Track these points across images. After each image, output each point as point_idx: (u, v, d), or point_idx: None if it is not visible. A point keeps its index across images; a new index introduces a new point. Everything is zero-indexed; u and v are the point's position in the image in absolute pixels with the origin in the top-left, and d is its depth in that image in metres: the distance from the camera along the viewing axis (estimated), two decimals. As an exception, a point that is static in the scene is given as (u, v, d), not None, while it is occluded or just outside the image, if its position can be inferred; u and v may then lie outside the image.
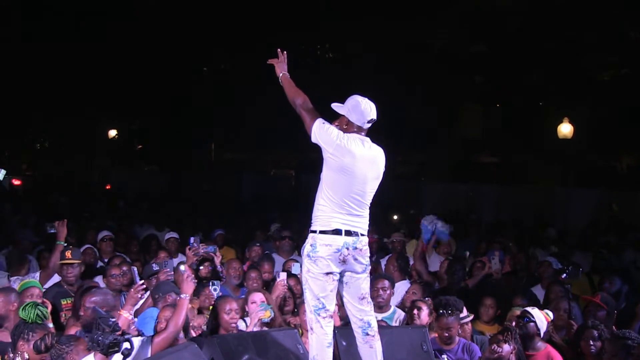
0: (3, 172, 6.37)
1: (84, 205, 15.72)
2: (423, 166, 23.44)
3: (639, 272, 9.82)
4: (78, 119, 24.59)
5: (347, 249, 4.75)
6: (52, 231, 7.48)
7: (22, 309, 5.02)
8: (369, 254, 4.94)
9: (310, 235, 4.82)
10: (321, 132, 4.74)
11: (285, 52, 5.12)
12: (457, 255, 9.21)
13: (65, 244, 7.07)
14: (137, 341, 4.95)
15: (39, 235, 10.14)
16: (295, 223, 11.26)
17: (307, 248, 4.81)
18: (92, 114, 24.49)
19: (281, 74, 5.05)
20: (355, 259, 4.81)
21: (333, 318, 4.90)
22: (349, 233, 4.75)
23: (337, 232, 4.73)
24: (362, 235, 4.82)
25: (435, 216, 8.90)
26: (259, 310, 5.88)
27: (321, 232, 4.75)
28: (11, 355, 4.77)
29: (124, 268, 7.22)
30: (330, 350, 4.84)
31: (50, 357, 4.62)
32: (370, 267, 5.06)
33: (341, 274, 4.84)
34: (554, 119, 19.14)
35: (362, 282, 4.92)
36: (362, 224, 4.83)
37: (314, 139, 4.79)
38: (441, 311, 5.89)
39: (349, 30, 19.10)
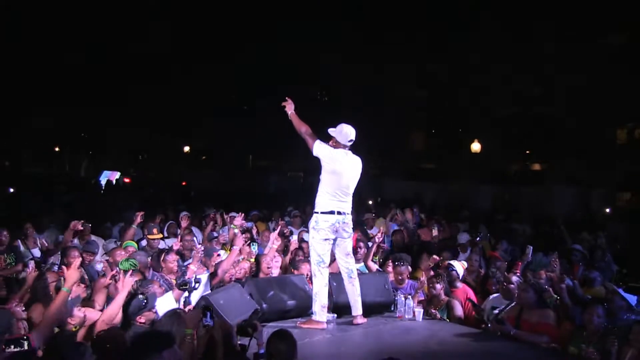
0: (118, 173, 6.36)
1: (168, 195, 15.74)
2: (385, 170, 23.41)
3: (520, 237, 9.74)
4: (166, 140, 24.84)
5: (338, 223, 4.81)
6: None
7: (120, 264, 4.96)
8: (352, 226, 4.98)
9: (314, 214, 4.86)
10: (319, 149, 4.80)
11: (291, 98, 5.02)
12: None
13: (151, 224, 6.95)
14: (204, 277, 5.05)
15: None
16: (305, 207, 11.21)
17: (312, 223, 4.86)
18: (175, 135, 24.77)
19: (290, 112, 5.00)
20: (344, 229, 4.87)
21: (327, 268, 4.92)
22: (339, 213, 4.81)
23: (332, 212, 4.78)
24: (347, 214, 4.86)
25: None
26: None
27: (322, 212, 4.80)
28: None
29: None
30: (327, 288, 4.89)
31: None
32: (353, 235, 5.10)
33: (334, 239, 4.88)
34: (469, 140, 19.53)
35: (348, 244, 4.97)
36: (347, 206, 4.88)
37: (314, 154, 4.84)
38: (397, 263, 5.91)
39: (338, 82, 19.39)
